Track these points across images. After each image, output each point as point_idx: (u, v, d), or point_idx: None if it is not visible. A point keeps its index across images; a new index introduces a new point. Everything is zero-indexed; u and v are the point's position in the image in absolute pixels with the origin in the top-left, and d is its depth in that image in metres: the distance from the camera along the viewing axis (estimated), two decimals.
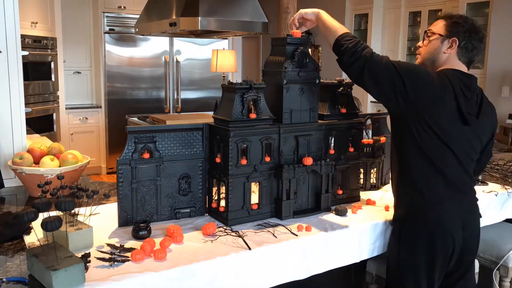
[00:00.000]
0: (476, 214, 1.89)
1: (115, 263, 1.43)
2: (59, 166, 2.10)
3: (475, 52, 1.86)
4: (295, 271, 1.69)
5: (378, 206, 2.07)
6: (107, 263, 1.43)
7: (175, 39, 6.57)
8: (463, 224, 1.80)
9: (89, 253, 1.47)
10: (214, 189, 1.89)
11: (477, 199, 1.90)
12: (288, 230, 1.76)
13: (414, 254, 1.80)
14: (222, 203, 1.83)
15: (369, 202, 2.11)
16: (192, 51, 6.76)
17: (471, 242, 1.86)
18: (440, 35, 1.86)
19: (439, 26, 1.88)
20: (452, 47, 1.84)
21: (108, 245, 1.56)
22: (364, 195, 2.21)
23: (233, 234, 1.70)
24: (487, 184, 2.44)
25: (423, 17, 6.49)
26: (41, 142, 2.38)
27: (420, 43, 1.96)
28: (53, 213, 1.35)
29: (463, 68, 1.86)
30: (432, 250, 1.78)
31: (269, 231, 1.74)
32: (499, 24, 5.39)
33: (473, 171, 1.90)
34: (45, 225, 1.25)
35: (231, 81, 2.29)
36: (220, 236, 1.68)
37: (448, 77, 1.79)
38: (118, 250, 1.52)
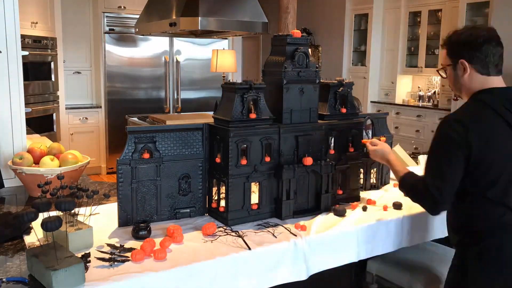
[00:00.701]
0: None
1: (115, 263, 1.43)
2: (59, 166, 2.10)
3: (491, 56, 1.68)
4: (295, 271, 1.69)
5: (378, 206, 2.07)
6: (107, 263, 1.43)
7: (175, 39, 6.57)
8: None
9: (89, 253, 1.47)
10: (214, 189, 1.89)
11: None
12: (288, 230, 1.76)
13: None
14: (222, 203, 1.83)
15: (369, 202, 2.11)
16: (192, 51, 6.76)
17: None
18: (448, 65, 1.76)
19: (443, 57, 1.80)
20: (465, 69, 1.70)
21: (108, 245, 1.56)
22: (364, 195, 2.21)
23: (233, 234, 1.70)
24: None
25: (423, 17, 6.49)
26: (41, 142, 2.38)
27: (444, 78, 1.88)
28: (53, 213, 1.35)
29: (495, 81, 1.70)
30: None
31: (269, 231, 1.74)
32: (499, 24, 5.38)
33: None
34: (45, 225, 1.25)
35: (230, 81, 2.28)
36: (220, 236, 1.68)
37: (485, 100, 1.66)
38: (118, 250, 1.52)
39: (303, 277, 1.70)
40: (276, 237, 1.69)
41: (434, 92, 6.65)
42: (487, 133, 1.62)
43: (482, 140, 1.60)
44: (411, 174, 1.81)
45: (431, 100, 6.63)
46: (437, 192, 1.63)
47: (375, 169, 2.31)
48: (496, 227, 1.64)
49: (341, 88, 2.08)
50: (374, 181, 2.33)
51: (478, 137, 1.60)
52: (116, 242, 1.60)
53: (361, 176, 2.24)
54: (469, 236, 1.68)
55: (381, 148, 1.99)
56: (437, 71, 1.86)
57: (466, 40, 1.70)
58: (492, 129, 1.63)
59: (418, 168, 2.43)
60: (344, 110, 2.08)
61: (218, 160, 1.82)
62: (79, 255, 1.42)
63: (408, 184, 1.77)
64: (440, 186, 1.63)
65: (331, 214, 1.95)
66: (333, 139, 2.04)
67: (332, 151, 2.03)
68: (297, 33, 1.93)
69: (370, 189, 2.31)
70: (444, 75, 1.81)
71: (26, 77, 4.57)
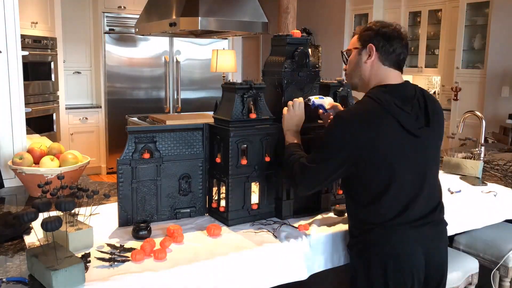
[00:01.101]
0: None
1: (115, 263, 1.44)
2: (59, 166, 2.10)
3: (398, 52, 1.68)
4: (295, 271, 1.69)
5: None
6: (107, 263, 1.43)
7: (175, 39, 6.57)
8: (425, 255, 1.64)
9: (89, 253, 1.47)
10: (214, 189, 1.89)
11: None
12: (288, 230, 1.76)
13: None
14: (222, 203, 1.83)
15: None
16: (192, 51, 6.77)
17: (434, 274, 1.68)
18: (355, 48, 1.74)
19: (353, 42, 1.77)
20: (371, 54, 1.69)
21: (108, 245, 1.56)
22: None
23: (238, 233, 1.70)
24: (486, 184, 2.44)
25: (423, 17, 6.49)
26: (41, 142, 2.38)
27: (344, 66, 1.84)
28: (53, 213, 1.35)
29: (393, 76, 1.69)
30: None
31: (269, 231, 1.74)
32: (499, 24, 5.39)
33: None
34: (45, 225, 1.25)
35: (230, 81, 2.28)
36: (223, 236, 1.68)
37: (376, 99, 1.61)
38: (118, 250, 1.52)
39: (303, 276, 1.71)
40: (276, 237, 1.69)
41: (434, 92, 6.65)
42: (379, 134, 1.57)
43: (373, 142, 1.56)
44: (297, 147, 1.80)
45: None
46: (309, 181, 1.67)
47: None
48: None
49: (341, 88, 2.08)
50: None
51: (368, 138, 1.56)
52: (116, 242, 1.60)
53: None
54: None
55: (293, 115, 1.86)
56: (341, 52, 1.84)
57: (381, 30, 1.69)
58: (383, 130, 1.58)
59: None
60: None
61: (218, 160, 1.82)
62: (79, 255, 1.42)
63: (290, 157, 1.75)
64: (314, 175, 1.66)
65: (331, 214, 1.95)
66: None
67: None
68: (297, 33, 1.93)
69: None
70: (345, 58, 1.80)
71: (26, 77, 4.58)
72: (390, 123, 1.58)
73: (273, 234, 1.72)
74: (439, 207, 1.71)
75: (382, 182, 1.60)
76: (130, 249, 1.51)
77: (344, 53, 1.80)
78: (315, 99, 1.91)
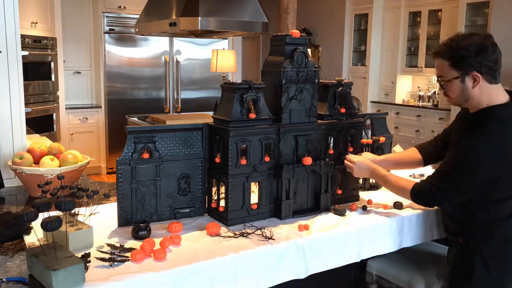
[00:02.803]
0: None
1: (115, 263, 1.44)
2: (59, 166, 2.10)
3: (497, 62, 1.70)
4: (295, 271, 1.69)
5: (378, 205, 2.07)
6: (107, 263, 1.43)
7: (175, 39, 6.57)
8: None
9: (89, 253, 1.47)
10: (214, 189, 1.89)
11: None
12: (288, 229, 1.76)
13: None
14: (222, 203, 1.83)
15: (369, 202, 2.11)
16: (192, 51, 6.77)
17: None
18: (456, 77, 1.73)
19: (446, 69, 1.75)
20: (477, 80, 1.70)
21: (108, 245, 1.56)
22: (363, 195, 2.21)
23: (237, 233, 1.70)
24: None
25: (423, 17, 6.50)
26: (41, 142, 2.38)
27: (441, 91, 1.92)
28: (53, 213, 1.35)
29: (498, 89, 1.75)
30: None
31: (268, 231, 1.74)
32: (499, 24, 5.39)
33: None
34: (45, 225, 1.25)
35: (230, 81, 2.28)
36: (224, 236, 1.68)
37: (503, 119, 1.71)
38: (118, 250, 1.52)
39: (302, 276, 1.71)
40: (273, 238, 1.69)
41: (434, 92, 6.65)
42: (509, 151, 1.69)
43: (505, 163, 1.68)
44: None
45: (431, 100, 6.64)
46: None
47: None
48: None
49: (340, 88, 2.08)
50: (374, 181, 2.33)
51: (500, 164, 1.68)
52: (116, 242, 1.60)
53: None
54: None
55: (361, 161, 2.02)
56: (438, 79, 1.83)
57: (477, 50, 1.67)
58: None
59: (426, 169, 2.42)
60: (343, 110, 2.08)
61: (217, 160, 1.82)
62: (79, 255, 1.42)
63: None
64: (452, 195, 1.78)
65: (331, 214, 1.95)
66: (332, 139, 2.04)
67: (331, 151, 2.04)
68: (296, 33, 1.94)
69: (369, 189, 2.31)
70: (446, 88, 1.78)
71: (26, 77, 4.58)
72: None
73: (272, 234, 1.72)
74: None
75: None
76: (130, 249, 1.52)
77: (441, 82, 1.78)
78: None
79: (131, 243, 1.59)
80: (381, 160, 2.12)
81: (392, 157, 2.20)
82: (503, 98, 1.76)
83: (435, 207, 2.00)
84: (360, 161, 2.02)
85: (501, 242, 1.78)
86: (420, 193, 1.86)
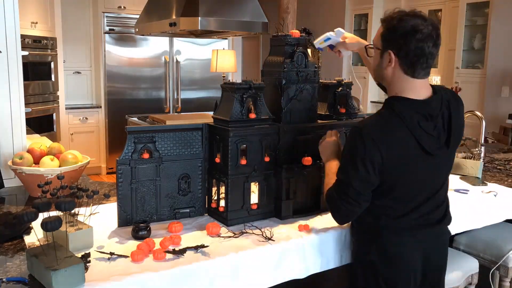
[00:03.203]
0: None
1: (113, 255, 1.44)
2: (59, 166, 2.10)
3: (426, 58, 1.48)
4: (295, 270, 1.69)
5: None
6: (107, 263, 1.43)
7: (175, 39, 6.57)
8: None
9: (89, 253, 1.47)
10: (214, 189, 1.89)
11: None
12: (288, 229, 1.76)
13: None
14: (222, 203, 1.83)
15: None
16: (192, 51, 6.77)
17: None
18: (378, 49, 1.56)
19: (378, 36, 1.57)
20: (390, 62, 1.51)
21: (108, 245, 1.56)
22: None
23: (237, 232, 1.70)
24: (486, 184, 2.44)
25: None
26: (41, 142, 2.38)
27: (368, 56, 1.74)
28: (53, 213, 1.35)
29: (419, 87, 1.53)
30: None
31: (268, 231, 1.74)
32: (499, 24, 5.39)
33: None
34: (45, 225, 1.25)
35: (230, 81, 2.29)
36: (224, 236, 1.69)
37: (401, 116, 1.51)
38: (117, 251, 1.52)
39: (302, 276, 1.71)
40: (274, 240, 1.69)
41: None
42: (398, 153, 1.51)
43: (391, 161, 1.51)
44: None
45: None
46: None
47: None
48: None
49: (340, 88, 2.08)
50: None
51: (387, 157, 1.50)
52: (116, 242, 1.60)
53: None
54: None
55: (327, 146, 1.82)
56: (366, 46, 1.76)
57: (406, 29, 1.46)
58: (403, 150, 1.51)
59: None
60: (343, 110, 2.08)
61: (217, 160, 1.82)
62: (79, 255, 1.42)
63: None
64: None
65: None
66: None
67: None
68: (296, 33, 1.94)
69: None
70: (371, 55, 1.64)
71: (26, 77, 4.58)
72: (410, 144, 1.51)
73: (272, 234, 1.72)
74: (446, 214, 1.71)
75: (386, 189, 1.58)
76: (130, 249, 1.52)
77: (370, 49, 1.65)
78: (320, 44, 1.96)
79: (131, 243, 1.59)
80: (359, 49, 2.00)
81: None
82: (420, 95, 1.54)
83: None
84: (329, 142, 1.82)
85: None
86: None
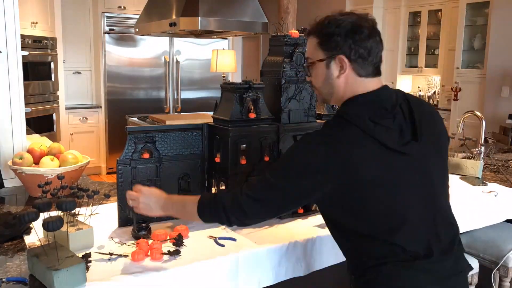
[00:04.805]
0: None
1: (114, 255, 1.44)
2: (59, 166, 2.10)
3: (374, 52, 1.33)
4: (295, 269, 1.69)
5: None
6: (107, 263, 1.43)
7: (175, 39, 6.58)
8: None
9: (90, 253, 1.48)
10: (214, 189, 1.89)
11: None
12: (287, 228, 1.76)
13: None
14: None
15: None
16: (192, 51, 6.77)
17: None
18: (321, 60, 1.36)
19: (312, 48, 1.38)
20: (343, 67, 1.33)
21: (108, 245, 1.56)
22: None
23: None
24: (486, 185, 2.45)
25: (423, 17, 6.50)
26: (41, 142, 2.38)
27: (308, 78, 1.47)
28: (53, 213, 1.35)
29: (372, 85, 1.34)
30: None
31: (267, 229, 1.74)
32: (499, 24, 5.39)
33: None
34: (46, 225, 1.25)
35: (230, 81, 2.29)
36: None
37: (347, 117, 1.30)
38: (118, 251, 1.52)
39: (302, 274, 1.71)
40: (275, 238, 1.70)
41: (434, 92, 6.65)
42: (357, 159, 1.25)
43: (349, 169, 1.25)
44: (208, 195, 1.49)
45: (431, 100, 6.64)
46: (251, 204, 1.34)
47: None
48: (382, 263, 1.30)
49: None
50: None
51: (343, 165, 1.25)
52: (116, 242, 1.60)
53: None
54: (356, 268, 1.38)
55: (149, 192, 1.55)
56: (303, 65, 1.52)
57: (349, 30, 1.31)
58: (357, 153, 1.26)
59: None
60: None
61: (217, 159, 1.82)
62: (80, 255, 1.42)
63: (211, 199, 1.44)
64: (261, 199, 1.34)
65: None
66: None
67: None
68: (295, 33, 1.94)
69: None
70: (311, 74, 1.41)
71: (26, 77, 4.58)
72: (368, 143, 1.26)
73: (272, 233, 1.72)
74: (457, 238, 1.40)
75: (379, 212, 1.29)
76: (130, 249, 1.52)
77: (307, 63, 1.42)
78: None
79: (131, 243, 1.59)
80: None
81: None
82: (368, 88, 1.35)
83: None
84: (148, 192, 1.55)
85: None
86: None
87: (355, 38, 1.31)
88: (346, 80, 1.35)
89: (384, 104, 1.32)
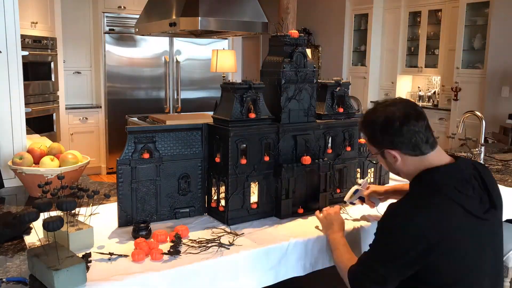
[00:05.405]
0: None
1: (114, 255, 1.44)
2: (59, 166, 2.10)
3: (417, 135, 1.42)
4: (295, 268, 1.69)
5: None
6: (107, 263, 1.44)
7: (175, 39, 6.57)
8: None
9: (90, 253, 1.48)
10: (214, 189, 1.89)
11: None
12: (287, 228, 1.77)
13: None
14: (222, 202, 1.84)
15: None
16: (192, 51, 6.77)
17: None
18: (376, 153, 1.53)
19: (367, 142, 1.57)
20: (395, 157, 1.46)
21: (108, 245, 1.56)
22: None
23: (238, 233, 1.71)
24: None
25: (423, 17, 6.50)
26: (41, 142, 2.38)
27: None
28: (53, 213, 1.35)
29: (432, 158, 1.45)
30: None
31: (267, 229, 1.75)
32: (499, 24, 5.39)
33: None
34: (47, 225, 1.25)
35: (230, 81, 2.29)
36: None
37: (434, 186, 1.40)
38: (118, 251, 1.52)
39: (302, 273, 1.71)
40: (275, 238, 1.70)
41: (434, 92, 6.65)
42: (445, 225, 1.35)
43: (441, 234, 1.34)
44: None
45: (431, 100, 6.64)
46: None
47: (372, 169, 2.32)
48: None
49: (338, 88, 2.08)
50: (372, 181, 2.33)
51: (435, 231, 1.34)
52: (116, 242, 1.60)
53: (358, 175, 2.25)
54: None
55: (331, 218, 1.73)
56: (368, 158, 1.72)
57: (383, 126, 1.44)
58: (450, 220, 1.36)
59: None
60: (341, 110, 2.09)
61: (217, 159, 1.82)
62: (80, 255, 1.43)
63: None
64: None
65: None
66: (330, 138, 2.04)
67: (329, 150, 2.04)
68: (294, 33, 1.94)
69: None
70: (381, 162, 1.58)
71: (26, 77, 4.58)
72: (455, 211, 1.36)
73: (272, 233, 1.72)
74: None
75: (455, 273, 1.39)
76: (129, 249, 1.52)
77: (371, 156, 1.63)
78: (351, 198, 1.96)
79: (131, 243, 1.59)
80: (387, 190, 1.92)
81: (402, 186, 1.89)
82: (442, 161, 1.47)
83: None
84: (341, 218, 1.76)
85: None
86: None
87: (389, 132, 1.44)
88: (404, 163, 1.47)
89: (462, 174, 1.43)
